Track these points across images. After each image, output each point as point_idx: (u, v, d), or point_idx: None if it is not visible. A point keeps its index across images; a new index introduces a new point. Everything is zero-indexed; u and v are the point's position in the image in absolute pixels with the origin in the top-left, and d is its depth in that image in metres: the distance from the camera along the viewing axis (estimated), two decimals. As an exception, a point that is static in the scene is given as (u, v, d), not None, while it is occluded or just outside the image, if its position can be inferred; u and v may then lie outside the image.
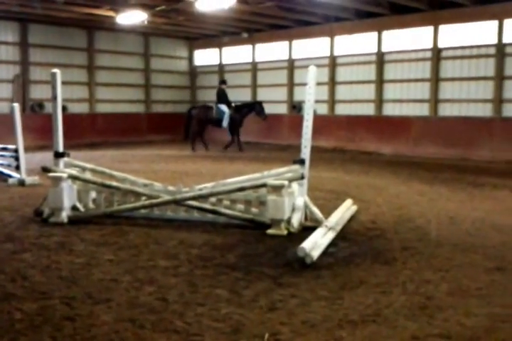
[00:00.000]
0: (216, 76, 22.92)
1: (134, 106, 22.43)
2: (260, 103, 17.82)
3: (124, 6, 16.29)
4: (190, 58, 24.01)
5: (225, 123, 17.18)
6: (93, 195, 7.56)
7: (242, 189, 6.75)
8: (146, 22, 17.49)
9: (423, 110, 16.80)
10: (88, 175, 7.65)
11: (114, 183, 7.39)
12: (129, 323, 3.79)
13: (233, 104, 17.45)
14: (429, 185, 10.31)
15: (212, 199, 7.06)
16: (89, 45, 20.91)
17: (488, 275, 4.90)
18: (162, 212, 7.26)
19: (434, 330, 3.71)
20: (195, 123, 17.56)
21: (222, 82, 18.09)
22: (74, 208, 7.27)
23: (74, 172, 7.40)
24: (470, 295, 4.39)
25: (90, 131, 20.75)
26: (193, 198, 6.88)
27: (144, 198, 7.23)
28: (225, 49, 22.66)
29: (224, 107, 17.26)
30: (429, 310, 4.07)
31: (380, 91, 17.74)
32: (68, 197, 7.07)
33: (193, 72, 24.04)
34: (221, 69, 22.86)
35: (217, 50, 22.91)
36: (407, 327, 3.76)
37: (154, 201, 6.99)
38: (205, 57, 23.62)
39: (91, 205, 7.55)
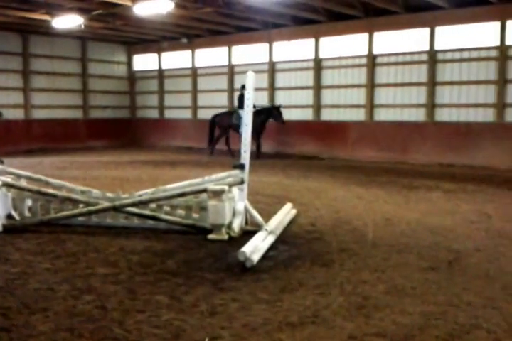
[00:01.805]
0: (156, 81, 22.76)
1: (71, 111, 21.88)
2: (278, 107, 17.10)
3: (59, 9, 15.93)
4: (129, 63, 23.68)
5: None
6: (29, 202, 7.37)
7: (182, 194, 6.74)
8: (82, 26, 17.15)
9: (359, 115, 17.19)
10: (23, 183, 7.46)
11: (51, 190, 7.24)
12: (67, 333, 3.73)
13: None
14: (366, 188, 10.57)
15: (153, 206, 7.01)
16: (24, 49, 20.25)
17: (422, 275, 5.08)
18: (101, 219, 7.15)
19: (371, 329, 3.82)
20: (217, 130, 17.73)
21: (243, 87, 17.63)
22: (9, 217, 7.08)
23: (8, 179, 7.20)
24: (405, 294, 4.54)
25: (26, 137, 20.10)
26: (133, 204, 6.81)
27: (81, 205, 7.10)
28: (164, 54, 22.49)
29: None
30: (366, 309, 4.19)
31: (318, 96, 18.03)
32: (3, 206, 6.89)
33: (132, 77, 23.74)
34: (161, 74, 22.68)
35: (156, 55, 22.72)
36: (344, 327, 3.86)
37: (92, 208, 6.87)
38: (144, 62, 23.34)
39: (27, 213, 7.35)
